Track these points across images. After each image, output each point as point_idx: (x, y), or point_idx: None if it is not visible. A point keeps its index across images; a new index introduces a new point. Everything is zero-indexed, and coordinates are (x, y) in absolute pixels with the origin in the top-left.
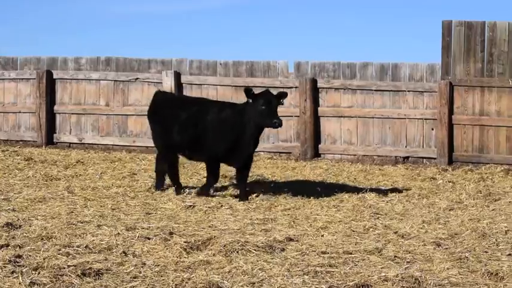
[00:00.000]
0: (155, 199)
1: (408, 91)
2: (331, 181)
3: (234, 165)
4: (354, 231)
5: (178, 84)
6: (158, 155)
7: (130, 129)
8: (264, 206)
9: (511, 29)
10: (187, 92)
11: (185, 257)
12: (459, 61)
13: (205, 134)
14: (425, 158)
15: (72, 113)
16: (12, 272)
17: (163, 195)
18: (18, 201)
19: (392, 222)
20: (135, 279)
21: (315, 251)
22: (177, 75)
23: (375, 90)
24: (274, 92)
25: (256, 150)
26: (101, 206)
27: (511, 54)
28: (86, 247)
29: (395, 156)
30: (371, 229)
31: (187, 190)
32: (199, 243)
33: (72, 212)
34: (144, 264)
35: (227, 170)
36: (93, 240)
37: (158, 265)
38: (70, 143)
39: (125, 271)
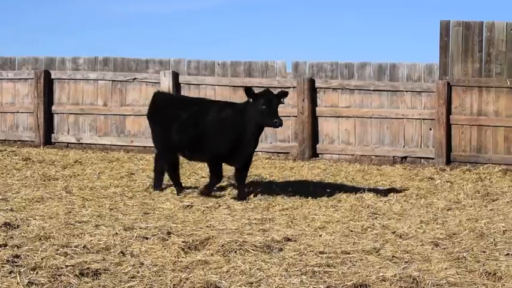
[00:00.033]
0: (153, 199)
1: (406, 91)
2: (329, 181)
3: (234, 165)
4: (351, 231)
5: (176, 85)
6: (157, 154)
7: (128, 129)
8: (262, 206)
9: (509, 29)
10: (185, 92)
11: (183, 257)
12: (457, 61)
13: (206, 134)
14: (423, 158)
15: (70, 113)
16: (10, 272)
17: (161, 195)
18: (16, 201)
19: (390, 222)
20: (133, 279)
21: (313, 251)
22: (175, 76)
23: (372, 90)
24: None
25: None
26: (99, 206)
27: (509, 54)
28: (84, 247)
29: (393, 156)
30: (369, 229)
31: (185, 190)
32: (197, 243)
33: (70, 212)
34: (142, 264)
35: (224, 170)
36: (91, 240)
37: (156, 265)
38: (68, 143)
39: (123, 271)
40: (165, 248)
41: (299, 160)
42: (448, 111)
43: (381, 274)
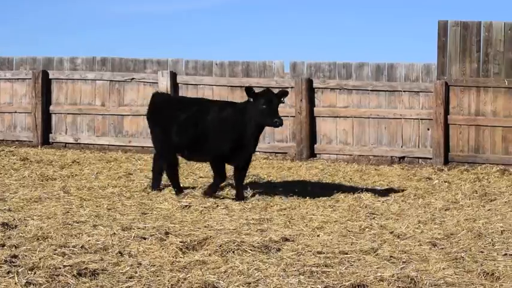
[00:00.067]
0: (151, 199)
1: (404, 91)
2: (327, 181)
3: (234, 165)
4: (349, 231)
5: (174, 85)
6: (156, 155)
7: (126, 129)
8: (260, 206)
9: (507, 29)
10: (183, 92)
11: (181, 257)
12: (455, 61)
13: (208, 134)
14: (421, 158)
15: (68, 113)
16: (8, 272)
17: (159, 195)
18: (14, 201)
19: (388, 222)
20: (131, 279)
21: (310, 251)
22: (173, 76)
23: (370, 90)
24: None
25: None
26: (97, 206)
27: (507, 54)
28: (81, 247)
29: (391, 156)
30: (367, 229)
31: (184, 190)
32: (195, 243)
33: (68, 212)
34: (140, 264)
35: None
36: (89, 240)
37: (154, 265)
38: (66, 143)
39: (121, 271)
40: (163, 248)
41: (297, 160)
42: (446, 111)
43: (379, 274)
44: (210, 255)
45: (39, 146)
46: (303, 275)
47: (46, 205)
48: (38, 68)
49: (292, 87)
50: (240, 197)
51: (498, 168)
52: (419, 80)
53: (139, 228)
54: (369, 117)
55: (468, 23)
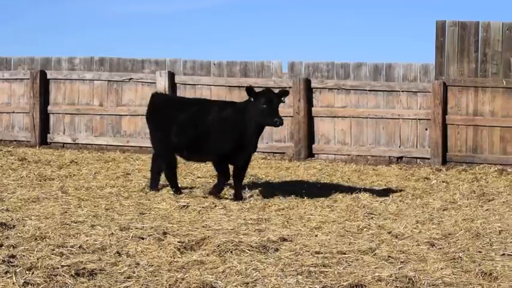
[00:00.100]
0: (149, 199)
1: (402, 91)
2: (325, 181)
3: (234, 165)
4: (347, 231)
5: (172, 85)
6: (154, 155)
7: (124, 129)
8: (258, 206)
9: (505, 29)
10: (181, 92)
11: (179, 257)
12: (453, 61)
13: (209, 134)
14: (419, 158)
15: (66, 113)
16: (6, 272)
17: (157, 195)
18: (12, 201)
19: (386, 222)
20: (128, 279)
21: (308, 251)
22: (171, 76)
23: (368, 90)
24: None
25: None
26: (95, 206)
27: (505, 54)
28: (79, 247)
29: (389, 156)
30: (365, 229)
31: (182, 191)
32: (193, 243)
33: (66, 212)
34: (138, 264)
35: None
36: (87, 240)
37: (152, 265)
38: (64, 143)
39: (119, 271)
40: (161, 248)
41: (295, 160)
42: (444, 112)
43: (377, 274)
44: (208, 255)
45: (37, 146)
46: (301, 275)
47: (44, 205)
48: (36, 68)
49: (290, 87)
50: (238, 197)
51: (496, 168)
52: (418, 80)
53: (137, 228)
54: (367, 117)
55: (466, 23)
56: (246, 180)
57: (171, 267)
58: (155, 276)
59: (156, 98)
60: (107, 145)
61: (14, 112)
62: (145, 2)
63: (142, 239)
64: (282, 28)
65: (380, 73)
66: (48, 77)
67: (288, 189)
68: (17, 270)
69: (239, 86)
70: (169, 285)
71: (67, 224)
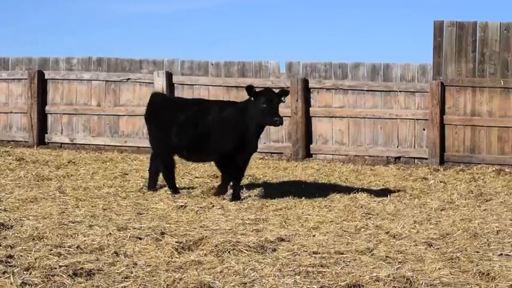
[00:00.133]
0: (147, 199)
1: (400, 91)
2: (323, 181)
3: (235, 164)
4: (345, 231)
5: (170, 85)
6: (153, 155)
7: (122, 129)
8: (256, 206)
9: (503, 29)
10: (178, 92)
11: (177, 257)
12: (451, 61)
13: (210, 134)
14: (416, 158)
15: (64, 113)
16: (4, 272)
17: (154, 196)
18: (10, 201)
19: (383, 223)
20: (126, 280)
21: (306, 251)
22: (169, 76)
23: (366, 90)
24: None
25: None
26: (93, 206)
27: (503, 54)
28: (77, 247)
29: (387, 157)
30: (362, 229)
31: (179, 191)
32: (191, 243)
33: (64, 212)
34: (136, 264)
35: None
36: (85, 240)
37: (150, 265)
38: (61, 143)
39: (117, 271)
40: (158, 248)
41: (293, 160)
42: (442, 112)
43: (375, 274)
44: (205, 255)
45: (35, 146)
46: (298, 275)
47: (42, 205)
48: (33, 68)
49: (288, 88)
50: (236, 197)
51: (494, 168)
52: (415, 80)
53: (135, 228)
54: (364, 118)
55: (464, 23)
56: (243, 181)
57: (169, 267)
58: (153, 277)
59: (155, 98)
60: (104, 145)
61: (11, 112)
62: (143, 2)
63: (140, 239)
64: (279, 28)
65: (378, 73)
66: (46, 77)
67: (285, 189)
68: (15, 271)
69: (237, 86)
70: (167, 285)
71: (65, 224)
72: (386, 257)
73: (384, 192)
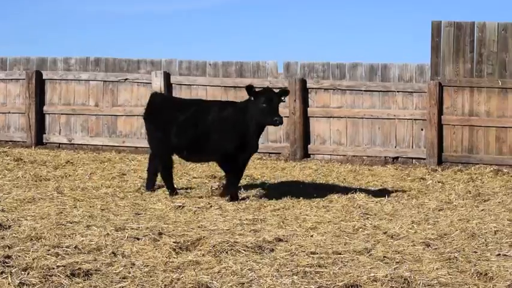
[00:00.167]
0: (144, 199)
1: (398, 91)
2: (321, 181)
3: (234, 164)
4: (343, 231)
5: (168, 85)
6: (151, 155)
7: (120, 129)
8: (254, 206)
9: (500, 29)
10: (176, 92)
11: (174, 257)
12: (448, 61)
13: (210, 134)
14: (414, 158)
15: (62, 114)
16: (1, 273)
17: (152, 196)
18: (8, 201)
19: (381, 223)
20: (124, 280)
21: (304, 252)
22: (167, 76)
23: (364, 90)
24: None
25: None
26: (90, 207)
27: (500, 54)
28: (75, 247)
29: (385, 157)
30: (360, 229)
31: (177, 191)
32: (189, 243)
33: (62, 213)
34: (134, 264)
35: (216, 171)
36: (83, 240)
37: (147, 265)
38: (59, 144)
39: (114, 271)
40: (156, 249)
41: (291, 160)
42: (440, 112)
43: (372, 274)
44: (203, 255)
45: (33, 147)
46: (296, 275)
47: (40, 205)
48: (31, 68)
49: (285, 88)
50: (233, 198)
51: (492, 168)
52: (413, 81)
53: (132, 228)
54: (362, 118)
55: (462, 24)
56: (241, 181)
57: (167, 267)
58: (150, 277)
59: (155, 98)
60: (102, 145)
61: (9, 112)
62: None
63: (138, 239)
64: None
65: (376, 73)
66: (44, 77)
67: (283, 189)
68: (13, 271)
69: (235, 87)
70: (165, 285)
71: (62, 225)
72: (384, 257)
73: (382, 193)
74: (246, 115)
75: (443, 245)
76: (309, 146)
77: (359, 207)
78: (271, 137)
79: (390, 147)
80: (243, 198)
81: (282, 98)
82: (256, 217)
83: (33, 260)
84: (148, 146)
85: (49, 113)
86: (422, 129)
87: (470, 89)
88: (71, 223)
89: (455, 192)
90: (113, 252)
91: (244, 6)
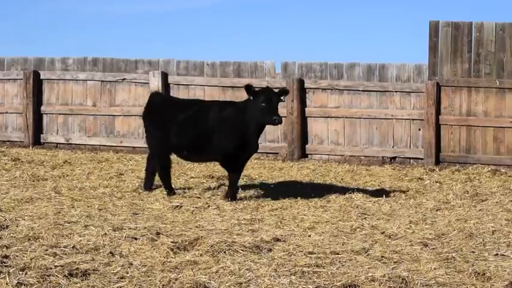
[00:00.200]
0: (142, 199)
1: (395, 91)
2: (318, 181)
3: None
4: (341, 231)
5: (166, 85)
6: (150, 155)
7: (118, 129)
8: (251, 206)
9: (498, 29)
10: (174, 92)
11: (172, 257)
12: (446, 61)
13: (211, 134)
14: (412, 158)
15: (59, 114)
16: None
17: (150, 196)
18: (5, 201)
19: (379, 223)
20: (122, 280)
21: (302, 251)
22: (164, 76)
23: (362, 90)
24: None
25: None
26: (88, 207)
27: (498, 54)
28: (73, 247)
29: (383, 157)
30: (358, 229)
31: (175, 191)
32: (187, 243)
33: (59, 213)
34: (131, 264)
35: (214, 171)
36: (80, 240)
37: (145, 265)
38: (57, 144)
39: (112, 271)
40: (154, 249)
41: (288, 160)
42: (437, 112)
43: (370, 274)
44: (201, 255)
45: (31, 147)
46: (294, 275)
47: (37, 205)
48: (29, 68)
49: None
50: (232, 197)
51: (489, 168)
52: (411, 81)
53: (130, 228)
54: (360, 118)
55: (459, 24)
56: (239, 181)
57: (165, 267)
58: (148, 277)
59: (154, 97)
60: (100, 145)
61: (7, 112)
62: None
63: (136, 239)
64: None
65: (373, 73)
66: (42, 77)
67: (281, 189)
68: (10, 271)
69: (232, 87)
70: (163, 285)
71: (60, 224)
72: (382, 257)
73: (380, 193)
74: (246, 115)
75: (441, 245)
76: (306, 146)
77: (357, 207)
78: (269, 136)
79: (388, 147)
80: (241, 198)
81: (282, 98)
82: (254, 217)
83: (31, 260)
84: (146, 146)
85: (47, 113)
86: (420, 129)
87: (468, 89)
88: (69, 223)
89: (453, 192)
90: (111, 252)
91: (242, 6)
